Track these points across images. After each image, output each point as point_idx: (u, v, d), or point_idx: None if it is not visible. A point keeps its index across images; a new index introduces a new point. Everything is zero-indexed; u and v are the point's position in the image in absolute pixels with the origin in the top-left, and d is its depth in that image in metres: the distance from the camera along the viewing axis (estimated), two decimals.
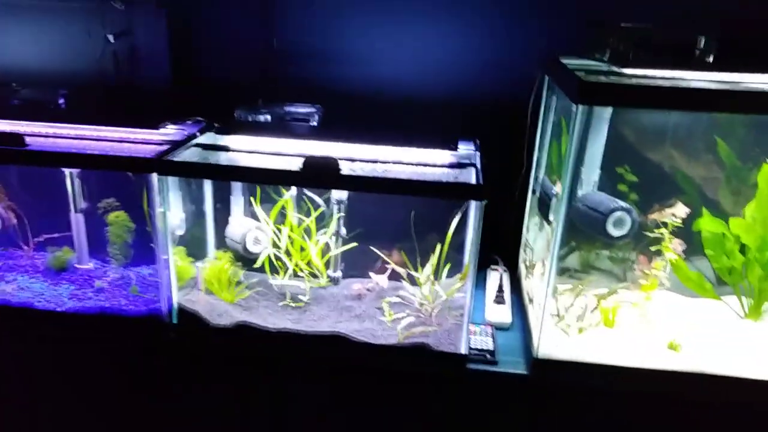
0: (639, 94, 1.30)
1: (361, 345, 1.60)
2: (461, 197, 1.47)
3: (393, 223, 1.81)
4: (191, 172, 1.63)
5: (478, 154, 1.69)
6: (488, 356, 1.61)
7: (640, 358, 1.52)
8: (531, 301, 1.78)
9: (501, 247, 2.04)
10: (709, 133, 1.76)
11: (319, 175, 1.47)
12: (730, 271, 1.67)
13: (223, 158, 1.66)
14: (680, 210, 1.68)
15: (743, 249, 1.65)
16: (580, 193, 1.70)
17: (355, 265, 1.90)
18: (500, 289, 1.83)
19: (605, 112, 1.59)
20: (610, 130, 1.67)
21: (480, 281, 1.95)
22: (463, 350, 1.58)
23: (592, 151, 1.65)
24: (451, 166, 1.62)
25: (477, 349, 1.64)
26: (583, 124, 1.36)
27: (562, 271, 1.86)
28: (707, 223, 1.62)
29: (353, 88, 2.03)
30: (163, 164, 1.55)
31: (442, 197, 1.48)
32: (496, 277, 1.97)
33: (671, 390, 1.51)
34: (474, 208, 1.47)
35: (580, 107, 1.32)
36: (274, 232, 1.80)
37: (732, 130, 1.77)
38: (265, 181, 1.73)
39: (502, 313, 1.78)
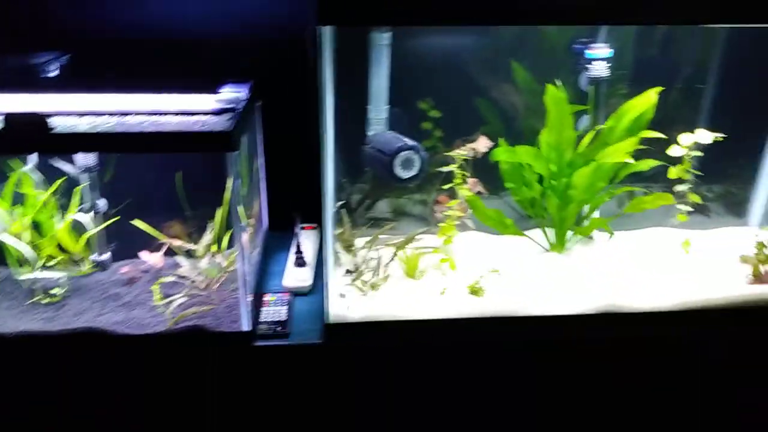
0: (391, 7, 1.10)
1: (120, 338, 1.33)
2: (208, 148, 1.21)
3: (165, 189, 1.54)
4: None
5: (246, 97, 1.44)
6: (278, 329, 1.41)
7: (441, 308, 1.39)
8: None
9: (306, 202, 1.84)
10: (505, 57, 1.63)
11: (21, 135, 1.16)
12: (532, 203, 1.58)
13: None
14: (482, 144, 1.55)
15: (543, 179, 1.56)
16: (370, 134, 1.52)
17: (135, 244, 1.60)
18: (298, 250, 1.63)
19: (382, 39, 1.40)
20: (394, 60, 1.49)
21: (287, 244, 1.75)
22: (246, 326, 1.36)
23: (376, 85, 1.46)
24: (212, 113, 1.36)
25: (267, 323, 1.43)
26: (332, 51, 1.15)
27: (370, 222, 1.71)
28: (502, 154, 1.49)
29: (110, 31, 1.68)
30: None
31: (184, 150, 1.22)
32: (305, 237, 1.77)
33: (474, 337, 1.40)
34: (229, 159, 1.23)
35: (323, 30, 1.10)
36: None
37: (531, 52, 1.66)
38: None
39: (301, 277, 1.58)
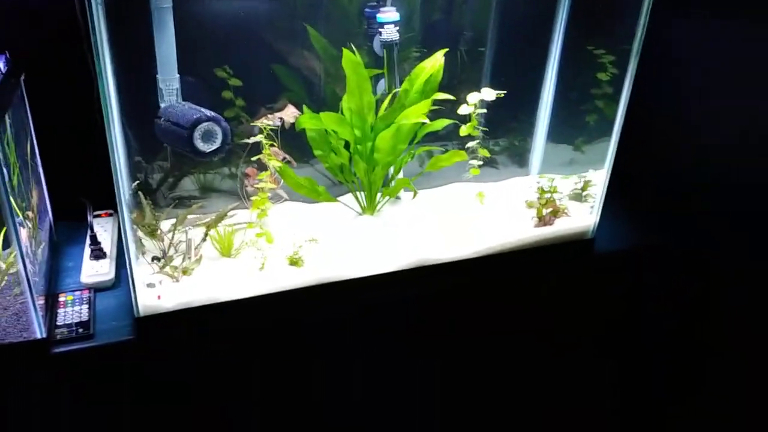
0: None
1: None
2: None
3: None
4: None
5: (1, 71, 1.23)
6: (80, 330, 1.26)
7: (262, 284, 1.36)
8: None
9: (97, 186, 1.65)
10: (301, 22, 1.61)
11: None
12: (341, 168, 1.60)
13: None
14: (290, 112, 1.51)
15: (349, 145, 1.58)
16: (163, 105, 1.41)
17: None
18: (94, 241, 1.46)
19: (163, 1, 1.28)
20: (185, 26, 1.38)
21: (81, 236, 1.56)
22: (39, 333, 1.20)
23: (162, 52, 1.34)
24: None
25: (66, 325, 1.27)
26: (105, 15, 1.02)
27: (175, 201, 1.60)
28: (307, 122, 1.48)
29: None
30: None
31: None
32: (100, 226, 1.59)
33: (299, 310, 1.40)
34: None
35: None
36: None
37: (326, 16, 1.65)
38: None
39: (101, 270, 1.43)
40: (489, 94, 1.56)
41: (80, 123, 1.47)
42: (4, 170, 1.08)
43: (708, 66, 1.71)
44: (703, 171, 1.77)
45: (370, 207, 1.63)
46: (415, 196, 1.66)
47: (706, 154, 1.76)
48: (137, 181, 1.43)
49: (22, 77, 1.38)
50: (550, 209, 1.65)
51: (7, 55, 1.29)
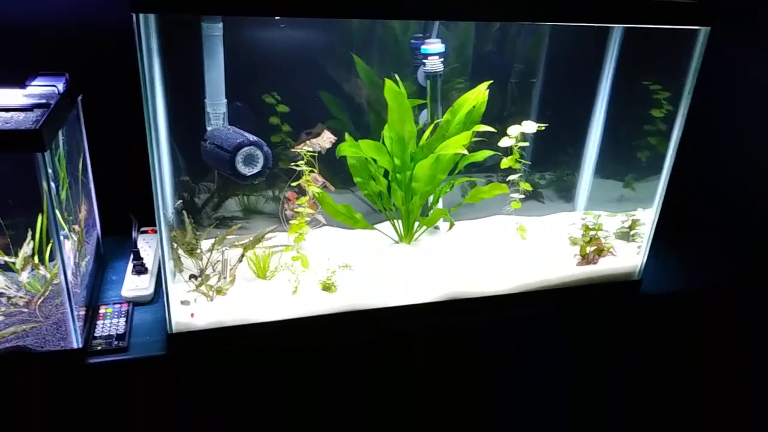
0: None
1: None
2: (14, 148, 1.08)
3: None
4: None
5: (61, 91, 1.30)
6: (117, 343, 1.30)
7: (294, 308, 1.36)
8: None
9: (144, 203, 1.71)
10: (346, 50, 1.63)
11: None
12: (380, 196, 1.60)
13: None
14: (325, 138, 1.53)
15: (388, 173, 1.58)
16: (209, 129, 1.45)
17: None
18: (137, 256, 1.51)
19: (213, 29, 1.33)
20: (234, 53, 1.42)
21: (127, 250, 1.61)
22: (76, 343, 1.24)
23: (211, 78, 1.39)
24: (21, 109, 1.21)
25: (103, 337, 1.31)
26: (158, 41, 1.07)
27: (217, 222, 1.63)
28: (347, 149, 1.49)
29: None
30: None
31: None
32: (145, 242, 1.65)
33: (328, 335, 1.39)
34: (40, 160, 1.10)
35: (141, 17, 1.01)
36: None
37: (375, 46, 1.68)
38: None
39: (141, 285, 1.47)
40: (530, 127, 1.53)
41: (132, 142, 1.52)
42: (53, 185, 1.14)
43: (764, 104, 1.63)
44: (755, 212, 1.68)
45: (407, 236, 1.62)
46: (451, 227, 1.64)
47: (759, 196, 1.66)
48: (181, 200, 1.47)
49: (80, 98, 1.45)
50: (594, 247, 1.59)
51: (67, 76, 1.37)
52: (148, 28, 1.05)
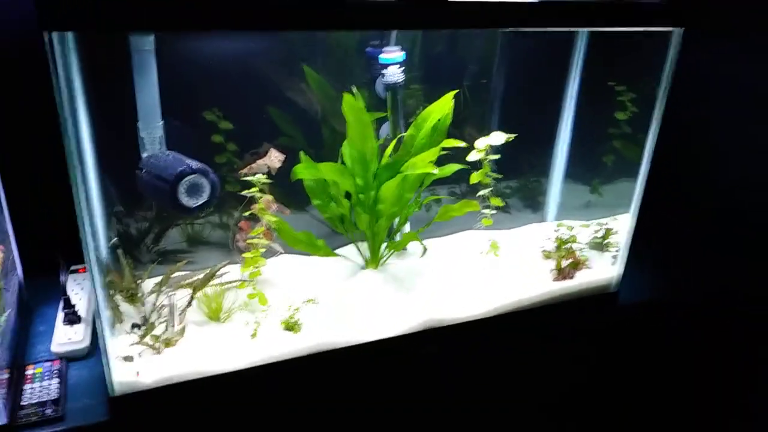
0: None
1: None
2: None
3: None
4: None
5: None
6: (49, 411, 1.11)
7: (253, 354, 1.21)
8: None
9: (73, 240, 1.51)
10: (297, 61, 1.49)
11: None
12: (341, 219, 1.46)
13: None
14: (273, 157, 1.37)
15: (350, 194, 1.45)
16: (144, 156, 1.27)
17: None
18: (68, 304, 1.32)
19: (144, 43, 1.16)
20: (170, 67, 1.25)
21: (56, 296, 1.41)
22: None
23: (143, 99, 1.22)
24: None
25: (33, 405, 1.12)
26: (78, 59, 0.90)
27: (159, 258, 1.45)
28: (304, 172, 1.34)
29: None
30: None
31: None
32: (76, 284, 1.45)
33: (296, 381, 1.25)
34: None
35: (53, 36, 0.84)
36: None
37: (324, 56, 1.54)
38: None
39: (75, 337, 1.28)
40: (499, 138, 1.42)
41: (53, 172, 1.33)
42: None
43: (739, 107, 1.59)
44: (734, 218, 1.65)
45: (373, 261, 1.49)
46: (424, 253, 1.52)
47: (737, 202, 1.63)
48: (115, 237, 1.29)
49: None
50: (569, 260, 1.51)
51: None
52: (64, 46, 0.88)
